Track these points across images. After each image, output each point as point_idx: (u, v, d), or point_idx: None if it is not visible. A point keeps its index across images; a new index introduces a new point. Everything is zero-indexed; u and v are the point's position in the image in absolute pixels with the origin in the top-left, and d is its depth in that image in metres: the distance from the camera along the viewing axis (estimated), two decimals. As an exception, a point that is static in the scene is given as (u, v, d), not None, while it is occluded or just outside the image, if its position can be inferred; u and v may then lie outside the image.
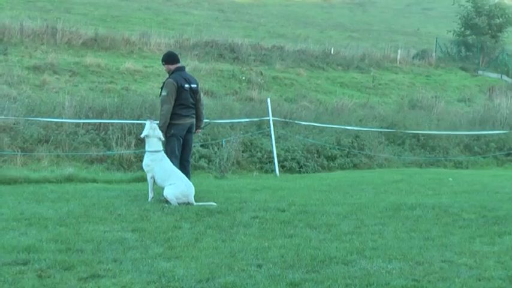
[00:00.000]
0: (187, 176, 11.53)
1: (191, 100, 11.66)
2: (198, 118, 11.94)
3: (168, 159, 11.44)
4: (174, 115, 11.50)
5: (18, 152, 16.94)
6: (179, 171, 11.36)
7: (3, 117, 17.75)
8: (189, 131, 11.82)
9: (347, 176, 16.79)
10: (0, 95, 21.14)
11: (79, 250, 7.95)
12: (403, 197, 12.43)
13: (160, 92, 11.84)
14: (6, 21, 30.56)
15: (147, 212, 10.29)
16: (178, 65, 11.74)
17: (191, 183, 11.30)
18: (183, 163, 11.86)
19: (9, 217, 9.72)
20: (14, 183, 13.42)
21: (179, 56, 12.15)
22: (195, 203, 11.00)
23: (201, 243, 8.49)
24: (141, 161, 17.60)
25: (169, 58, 11.88)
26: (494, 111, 26.95)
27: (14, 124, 17.93)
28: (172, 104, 11.46)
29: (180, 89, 11.45)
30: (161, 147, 11.55)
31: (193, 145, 12.00)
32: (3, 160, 16.76)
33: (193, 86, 11.70)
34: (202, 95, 11.85)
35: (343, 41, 46.34)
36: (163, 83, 11.77)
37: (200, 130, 12.36)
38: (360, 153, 21.30)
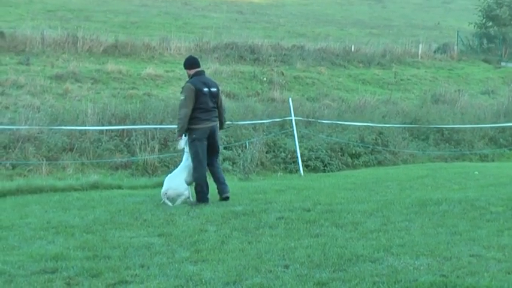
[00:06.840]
0: (219, 177, 11.68)
1: (211, 104, 11.51)
2: (220, 122, 11.82)
3: (178, 168, 11.88)
4: (194, 119, 11.43)
5: (43, 161, 17.09)
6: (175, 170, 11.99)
7: (27, 127, 17.90)
8: (212, 135, 11.62)
9: (372, 173, 16.72)
10: (24, 105, 21.36)
11: (106, 257, 7.98)
12: (428, 193, 12.34)
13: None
14: (28, 32, 30.83)
15: (173, 216, 10.31)
16: (198, 69, 11.72)
17: (167, 180, 11.61)
18: (209, 167, 11.78)
19: (37, 226, 9.79)
20: (40, 192, 13.51)
21: (199, 60, 12.07)
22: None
23: (227, 245, 8.48)
24: (165, 165, 17.83)
25: (187, 63, 11.90)
26: (519, 102, 26.76)
27: (38, 133, 18.08)
28: (190, 108, 11.41)
29: (198, 93, 11.40)
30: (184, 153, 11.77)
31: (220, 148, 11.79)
32: (28, 170, 16.91)
33: (213, 89, 11.56)
34: (224, 98, 11.66)
35: (363, 37, 46.15)
36: (182, 87, 11.81)
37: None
38: (384, 149, 21.23)
